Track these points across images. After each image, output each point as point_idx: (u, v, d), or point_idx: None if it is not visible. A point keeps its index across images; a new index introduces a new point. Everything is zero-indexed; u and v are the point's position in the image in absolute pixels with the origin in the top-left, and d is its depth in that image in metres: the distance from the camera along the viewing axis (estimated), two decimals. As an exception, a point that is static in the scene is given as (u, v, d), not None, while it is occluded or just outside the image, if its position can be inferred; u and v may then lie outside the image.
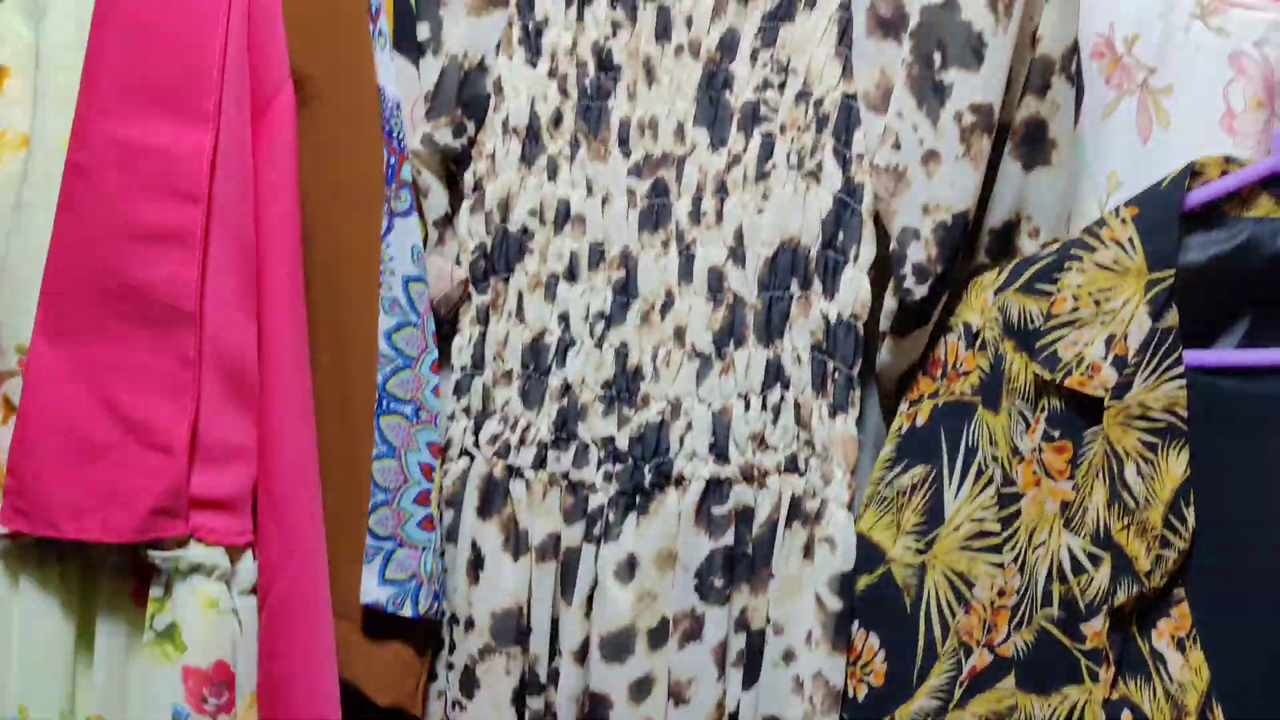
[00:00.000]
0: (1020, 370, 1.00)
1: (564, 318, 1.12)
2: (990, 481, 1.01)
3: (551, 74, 1.13)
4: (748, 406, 1.06)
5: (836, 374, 1.04)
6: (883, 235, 1.04)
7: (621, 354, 1.10)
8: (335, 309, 1.09)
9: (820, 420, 1.04)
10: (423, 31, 1.15)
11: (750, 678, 1.06)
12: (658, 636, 1.07)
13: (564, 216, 1.12)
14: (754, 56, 1.08)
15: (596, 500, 1.09)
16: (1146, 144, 1.14)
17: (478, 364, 1.14)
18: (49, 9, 1.03)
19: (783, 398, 1.06)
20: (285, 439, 1.05)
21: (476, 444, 1.13)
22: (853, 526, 1.03)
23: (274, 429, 1.05)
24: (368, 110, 1.09)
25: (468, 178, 1.15)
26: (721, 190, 1.08)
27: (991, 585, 1.00)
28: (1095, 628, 0.96)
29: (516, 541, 1.10)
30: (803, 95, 1.06)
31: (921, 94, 1.00)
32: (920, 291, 1.01)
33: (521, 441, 1.11)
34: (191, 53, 0.99)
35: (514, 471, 1.11)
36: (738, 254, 1.07)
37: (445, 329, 1.16)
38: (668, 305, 1.09)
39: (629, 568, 1.07)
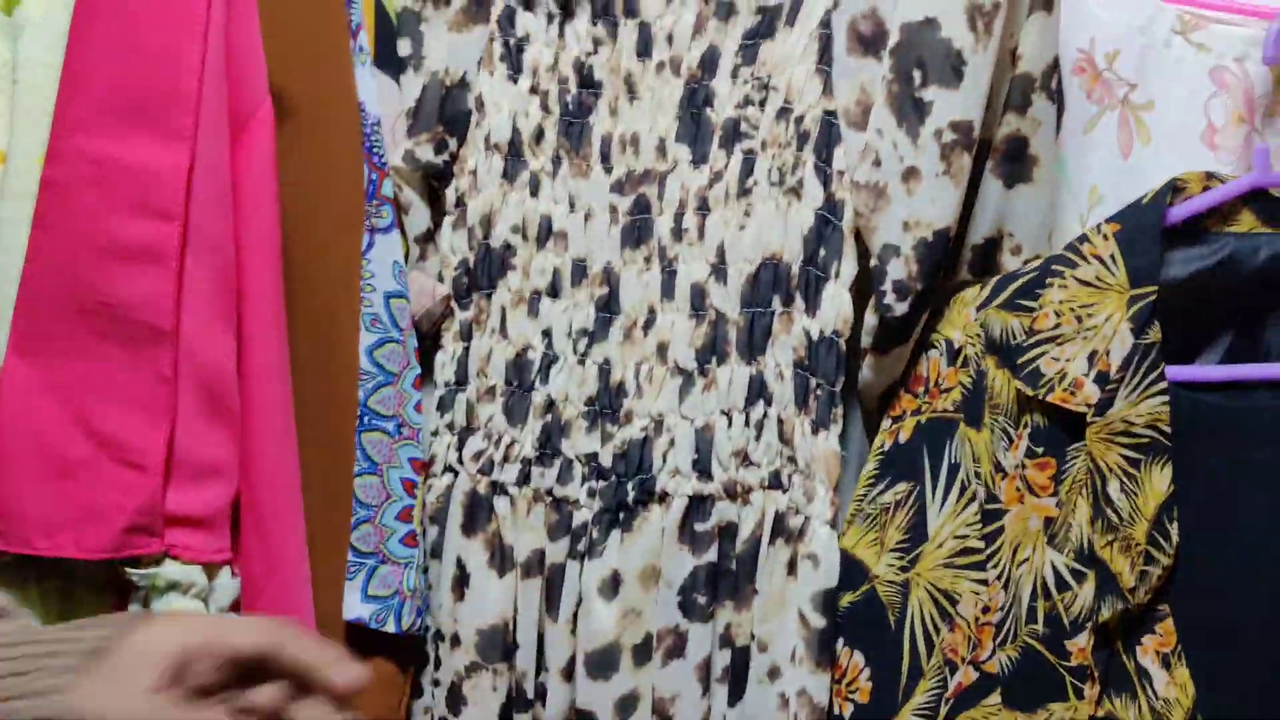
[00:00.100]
0: (1003, 386, 1.00)
1: (547, 334, 1.11)
2: (973, 498, 1.01)
3: (533, 90, 1.12)
4: (730, 423, 1.06)
5: (819, 390, 1.04)
6: (864, 252, 1.03)
7: (604, 370, 1.10)
8: (316, 325, 1.09)
9: (803, 437, 1.04)
10: (404, 48, 1.15)
11: (735, 695, 1.06)
12: (642, 653, 1.07)
13: (546, 232, 1.12)
14: (735, 73, 1.08)
15: (580, 516, 1.09)
16: (1128, 159, 1.14)
17: (461, 380, 1.14)
18: (26, 25, 1.02)
19: (765, 414, 1.05)
20: (268, 456, 1.05)
21: (460, 460, 1.12)
22: (836, 543, 1.03)
23: (256, 446, 1.04)
24: (348, 127, 1.09)
25: (450, 194, 1.14)
26: (703, 207, 1.08)
27: (976, 602, 1.00)
28: (1080, 644, 0.96)
29: (502, 558, 1.10)
30: (784, 112, 1.06)
31: (902, 111, 1.00)
32: (901, 308, 1.01)
33: (505, 458, 1.11)
34: (168, 70, 0.99)
35: (498, 488, 1.11)
36: (720, 270, 1.07)
37: (427, 345, 1.16)
38: (650, 322, 1.09)
39: (613, 584, 1.07)
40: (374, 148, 1.10)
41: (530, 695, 1.10)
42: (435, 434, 1.14)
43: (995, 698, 0.99)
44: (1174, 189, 1.00)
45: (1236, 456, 0.97)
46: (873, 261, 1.02)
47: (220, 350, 1.01)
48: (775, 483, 1.05)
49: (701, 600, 1.05)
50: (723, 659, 1.06)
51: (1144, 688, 0.97)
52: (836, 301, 1.03)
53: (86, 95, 0.99)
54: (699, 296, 1.07)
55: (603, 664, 1.07)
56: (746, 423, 1.06)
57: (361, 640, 1.09)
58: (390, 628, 1.09)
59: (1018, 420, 0.99)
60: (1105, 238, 0.98)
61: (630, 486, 1.08)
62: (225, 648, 0.71)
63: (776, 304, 1.05)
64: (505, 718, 1.10)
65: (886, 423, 1.06)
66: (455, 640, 1.10)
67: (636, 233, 1.10)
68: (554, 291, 1.11)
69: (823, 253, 1.04)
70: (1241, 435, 0.97)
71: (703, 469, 1.06)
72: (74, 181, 0.98)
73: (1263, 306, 1.04)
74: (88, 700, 0.69)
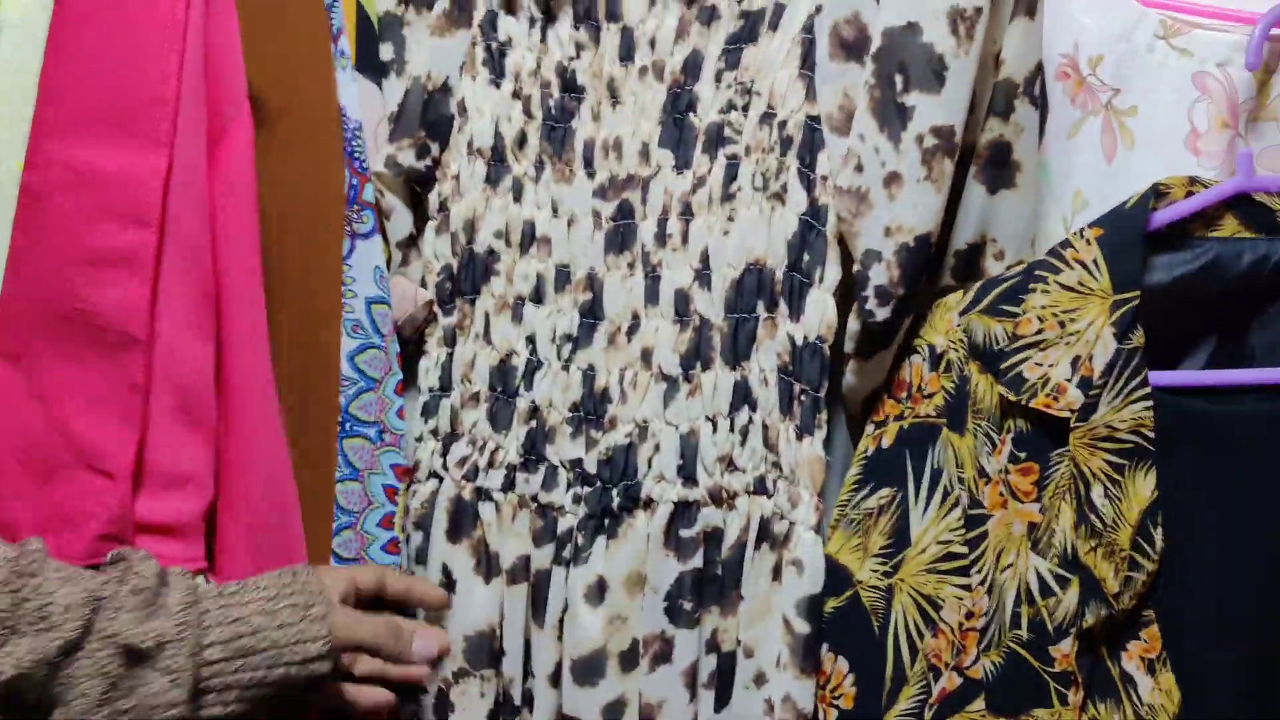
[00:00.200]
0: (986, 392, 1.00)
1: (531, 339, 1.11)
2: (956, 504, 1.01)
3: (515, 95, 1.12)
4: (715, 428, 1.06)
5: (803, 396, 1.04)
6: (847, 257, 1.03)
7: (589, 376, 1.10)
8: (298, 331, 1.09)
9: (787, 442, 1.04)
10: (386, 52, 1.14)
11: (722, 700, 1.06)
12: (629, 660, 1.07)
13: (529, 238, 1.12)
14: (718, 78, 1.08)
15: (566, 523, 1.09)
16: (1111, 164, 1.14)
17: (445, 386, 1.14)
18: (4, 28, 1.02)
19: (750, 419, 1.05)
20: (258, 462, 1.05)
21: (445, 466, 1.12)
22: (820, 549, 1.03)
23: (245, 453, 1.04)
24: (329, 131, 1.09)
25: (432, 199, 1.14)
26: (687, 212, 1.08)
27: (959, 608, 1.00)
28: (1064, 650, 0.96)
29: (488, 564, 1.10)
30: (767, 117, 1.05)
31: (883, 116, 1.00)
32: (883, 313, 1.01)
33: (490, 464, 1.11)
34: (145, 75, 0.99)
35: (483, 494, 1.11)
36: (703, 276, 1.07)
37: (410, 349, 1.16)
38: (634, 327, 1.09)
39: (599, 591, 1.07)
40: (355, 153, 1.10)
41: (517, 702, 1.10)
42: (419, 439, 1.14)
43: (979, 703, 0.99)
44: (1157, 194, 1.00)
45: (1221, 461, 0.97)
46: (855, 267, 1.02)
47: (196, 358, 1.01)
48: (760, 488, 1.05)
49: (688, 606, 1.05)
50: (709, 664, 1.06)
51: (1129, 694, 0.97)
52: (820, 307, 1.03)
53: (64, 101, 0.99)
54: (683, 302, 1.07)
55: (589, 670, 1.07)
56: (731, 428, 1.06)
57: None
58: None
59: (1001, 425, 0.99)
60: (1088, 243, 0.98)
61: (615, 493, 1.08)
62: (364, 582, 1.00)
63: (760, 309, 1.05)
64: (492, 722, 1.10)
65: (870, 428, 1.06)
66: (443, 648, 1.10)
67: (620, 238, 1.09)
68: (538, 297, 1.11)
69: (806, 258, 1.04)
70: (1226, 440, 0.97)
71: (688, 475, 1.06)
72: (52, 188, 0.98)
73: (1246, 311, 1.04)
74: (340, 630, 0.95)
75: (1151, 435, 0.95)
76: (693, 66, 1.08)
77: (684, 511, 1.06)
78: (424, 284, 1.15)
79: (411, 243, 1.16)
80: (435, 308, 1.14)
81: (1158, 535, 0.95)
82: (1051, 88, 1.13)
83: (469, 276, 1.13)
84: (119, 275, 0.98)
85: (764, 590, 1.04)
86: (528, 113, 1.12)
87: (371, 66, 1.14)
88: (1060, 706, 0.97)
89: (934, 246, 1.02)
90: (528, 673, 1.10)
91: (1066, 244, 0.99)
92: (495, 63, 1.13)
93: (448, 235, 1.13)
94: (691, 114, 1.08)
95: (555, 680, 1.08)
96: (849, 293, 1.03)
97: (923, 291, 1.04)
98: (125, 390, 0.99)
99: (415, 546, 1.12)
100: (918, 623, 1.01)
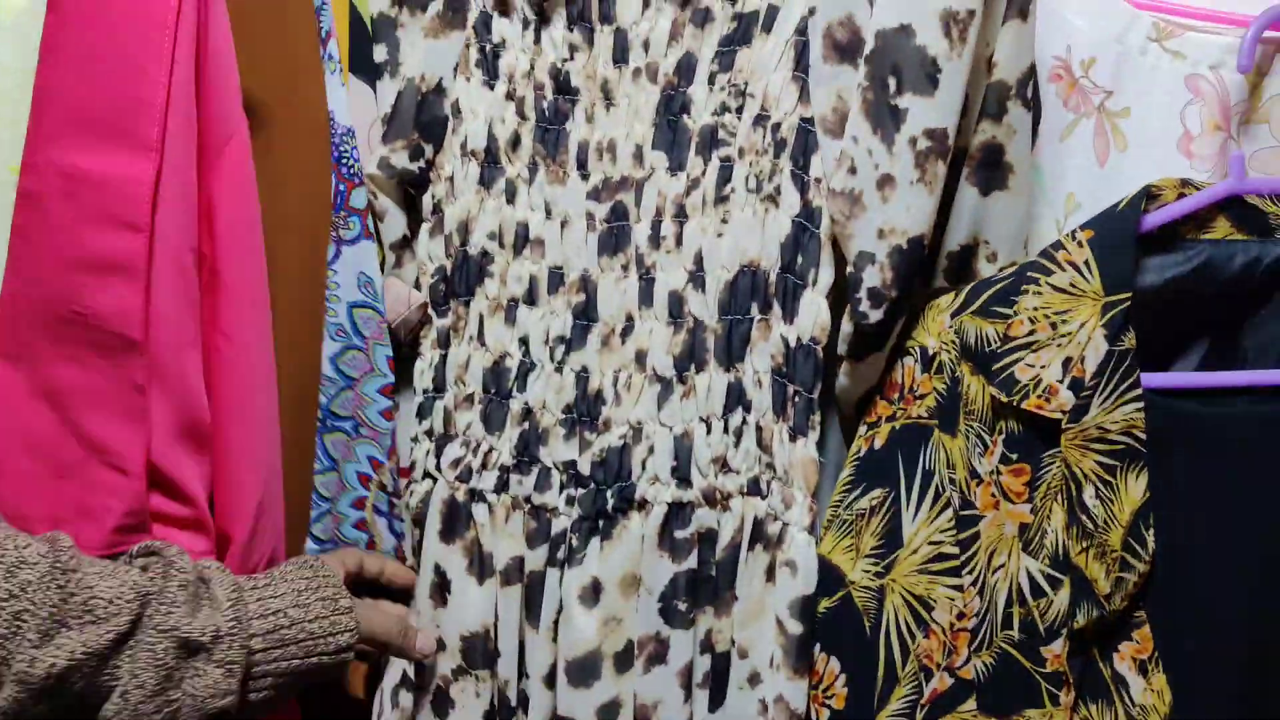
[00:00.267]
0: (978, 393, 1.00)
1: (524, 341, 1.11)
2: (948, 504, 1.01)
3: (509, 96, 1.12)
4: (709, 430, 1.06)
5: (796, 397, 1.04)
6: (840, 259, 1.03)
7: (582, 378, 1.10)
8: (283, 333, 1.10)
9: (781, 444, 1.04)
10: (379, 54, 1.14)
11: (717, 700, 1.06)
12: (623, 660, 1.07)
13: (523, 240, 1.12)
14: (711, 80, 1.08)
15: (559, 524, 1.09)
16: (1104, 166, 1.14)
17: (439, 387, 1.14)
18: (-5, 33, 1.03)
19: (744, 421, 1.05)
20: (264, 456, 1.08)
21: (439, 466, 1.13)
22: (814, 550, 1.03)
23: (251, 447, 1.07)
24: (318, 137, 1.10)
25: (426, 200, 1.14)
26: (681, 214, 1.08)
27: (951, 608, 1.00)
28: (1055, 650, 0.96)
29: (481, 565, 1.10)
30: (760, 119, 1.06)
31: (877, 119, 1.00)
32: (876, 315, 1.01)
33: (484, 465, 1.11)
34: (136, 83, 1.00)
35: (476, 495, 1.11)
36: (697, 278, 1.07)
37: (404, 351, 1.16)
38: (628, 329, 1.09)
39: (593, 592, 1.07)
40: (342, 158, 1.11)
41: (513, 702, 1.10)
42: (414, 440, 1.14)
43: (971, 703, 0.99)
44: (1149, 196, 1.00)
45: (1212, 463, 0.97)
46: (848, 269, 1.02)
47: (186, 363, 1.03)
48: (754, 489, 1.05)
49: (682, 607, 1.06)
50: (703, 665, 1.06)
51: (1120, 694, 0.97)
52: (814, 309, 1.03)
53: (57, 107, 1.00)
54: (677, 304, 1.07)
55: (584, 672, 1.07)
56: (725, 430, 1.06)
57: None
58: None
59: (993, 426, 0.99)
60: (1080, 244, 0.99)
61: (609, 494, 1.08)
62: (350, 565, 1.06)
63: (754, 311, 1.05)
64: (488, 721, 1.11)
65: (863, 429, 1.06)
66: (440, 644, 1.11)
67: (614, 240, 1.10)
68: (531, 299, 1.11)
69: (800, 260, 1.04)
70: (1218, 442, 0.97)
71: (682, 476, 1.07)
72: (48, 192, 1.00)
73: (1238, 313, 1.04)
74: (364, 622, 1.00)
75: (1143, 436, 0.95)
76: (686, 69, 1.08)
77: (678, 513, 1.06)
78: (418, 286, 1.15)
79: (405, 244, 1.16)
80: (430, 309, 1.14)
81: (1149, 536, 0.95)
82: (1044, 90, 1.14)
83: (463, 278, 1.13)
84: (114, 280, 1.00)
85: (758, 591, 1.04)
86: (521, 114, 1.12)
87: (365, 68, 1.14)
88: (1052, 707, 0.97)
89: (927, 248, 1.02)
90: (522, 674, 1.10)
91: (1058, 246, 0.99)
92: (489, 64, 1.13)
93: (442, 237, 1.13)
94: (685, 116, 1.08)
95: (550, 681, 1.08)
96: (842, 295, 1.04)
97: (916, 293, 1.04)
98: (129, 390, 1.01)
99: (415, 541, 1.13)
100: (909, 623, 1.01)
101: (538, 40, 1.12)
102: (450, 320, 1.14)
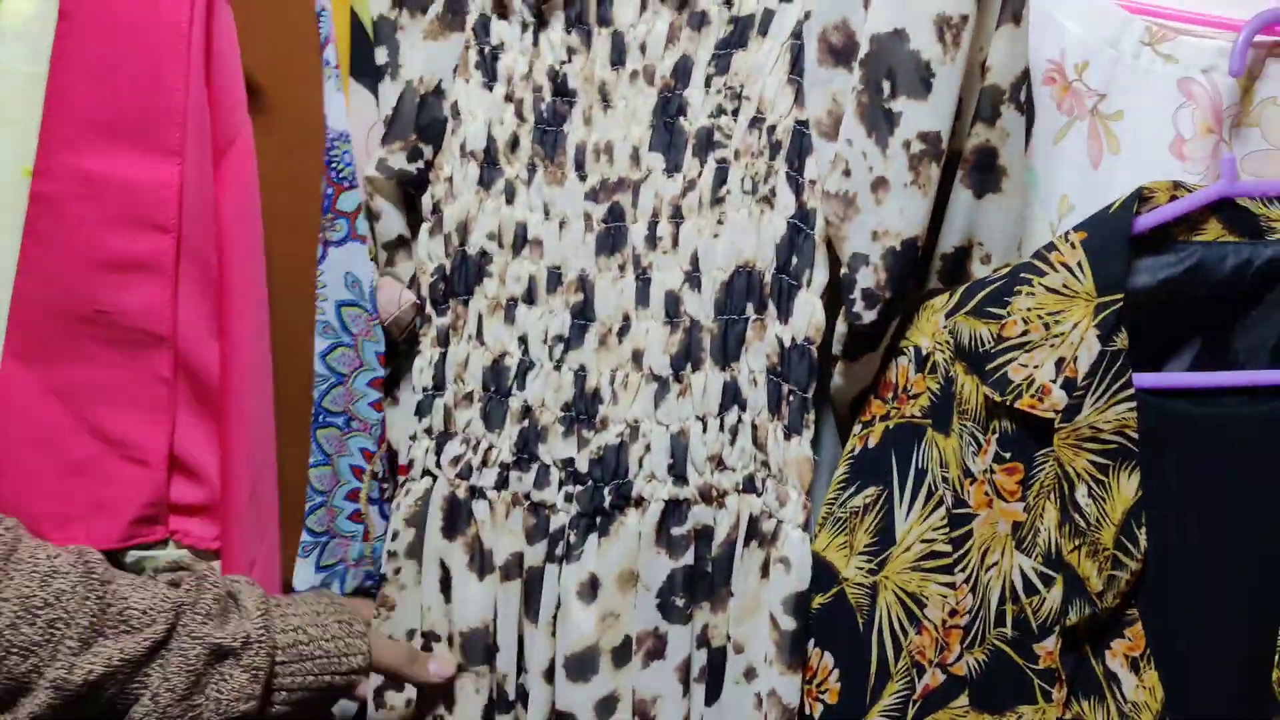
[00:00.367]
0: (971, 392, 1.00)
1: (523, 340, 1.12)
2: (940, 503, 1.01)
3: (508, 98, 1.13)
4: (705, 428, 1.07)
5: (791, 397, 1.04)
6: (834, 260, 1.04)
7: (580, 376, 1.10)
8: (276, 332, 1.12)
9: (776, 442, 1.05)
10: (380, 56, 1.15)
11: (713, 694, 1.06)
12: (621, 655, 1.08)
13: (522, 240, 1.12)
14: (708, 83, 1.08)
15: (558, 521, 1.10)
16: (1097, 169, 1.14)
17: (439, 385, 1.14)
18: (5, 36, 1.04)
19: (740, 419, 1.06)
20: (262, 449, 1.10)
21: (438, 464, 1.13)
22: (808, 547, 1.04)
23: (249, 442, 1.09)
24: (313, 140, 1.12)
25: (426, 200, 1.15)
26: (677, 215, 1.08)
27: (943, 605, 1.00)
28: (1048, 647, 0.97)
29: (481, 561, 1.11)
30: (756, 122, 1.06)
31: (871, 122, 1.00)
32: (870, 316, 1.02)
33: (484, 463, 1.12)
34: (157, 90, 1.02)
35: (476, 492, 1.12)
36: (693, 278, 1.08)
37: (401, 349, 1.17)
38: (625, 329, 1.09)
39: (591, 588, 1.08)
40: (332, 162, 1.13)
41: (511, 698, 1.10)
42: (413, 438, 1.14)
43: (963, 699, 0.99)
44: (1141, 198, 1.00)
45: (1204, 463, 0.97)
46: (842, 270, 1.02)
47: (207, 352, 1.06)
48: (749, 487, 1.05)
49: (680, 602, 1.06)
50: (700, 659, 1.07)
51: (1113, 691, 0.97)
52: (808, 309, 1.04)
53: (74, 112, 1.02)
54: (673, 304, 1.08)
55: (582, 667, 1.07)
56: (721, 428, 1.06)
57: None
58: (335, 589, 1.17)
59: (986, 426, 1.00)
60: (1073, 246, 0.99)
61: (606, 491, 1.08)
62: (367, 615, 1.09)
63: (750, 311, 1.06)
64: (487, 718, 1.11)
65: (857, 428, 1.07)
66: (451, 640, 1.12)
67: (611, 240, 1.10)
68: (530, 298, 1.12)
69: (795, 261, 1.05)
70: (1209, 442, 0.98)
71: (678, 474, 1.07)
72: (66, 196, 1.02)
73: (1230, 314, 1.04)
74: (375, 649, 1.03)
75: (1135, 436, 0.96)
76: (683, 71, 1.09)
77: (674, 510, 1.07)
78: (416, 286, 1.15)
79: (400, 245, 1.16)
80: (429, 308, 1.14)
81: (1141, 535, 0.95)
82: (1038, 93, 1.14)
83: (462, 278, 1.13)
84: (141, 279, 1.02)
85: (753, 587, 1.05)
86: (520, 116, 1.13)
87: (366, 71, 1.15)
88: (1044, 703, 0.97)
89: (920, 250, 1.02)
90: (521, 669, 1.10)
91: (1051, 247, 0.99)
92: (488, 66, 1.13)
93: (441, 237, 1.14)
94: (681, 118, 1.09)
95: (549, 676, 1.09)
96: (837, 295, 1.04)
97: (910, 294, 1.04)
98: (154, 383, 1.04)
99: (407, 542, 1.13)
100: (902, 620, 1.02)
101: (536, 43, 1.13)
102: (449, 319, 1.14)
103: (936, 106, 0.99)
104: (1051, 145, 1.15)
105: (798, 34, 1.04)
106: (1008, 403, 0.98)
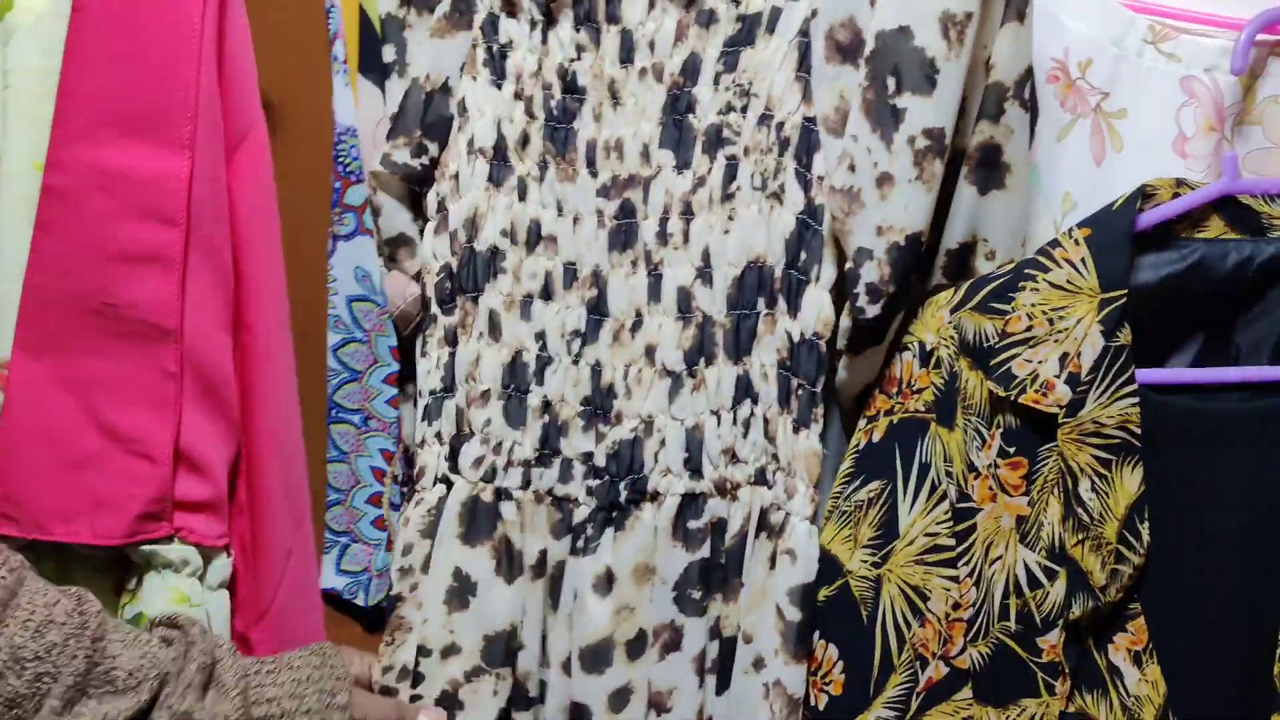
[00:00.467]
0: (976, 387, 1.01)
1: (540, 336, 1.11)
2: (943, 497, 1.02)
3: (517, 96, 1.13)
4: (719, 422, 1.07)
5: (800, 390, 1.05)
6: (840, 255, 1.04)
7: (596, 371, 1.11)
8: (291, 326, 1.13)
9: (785, 435, 1.05)
10: (388, 54, 1.15)
11: (723, 684, 1.07)
12: (635, 648, 1.08)
13: (536, 236, 1.12)
14: (716, 80, 1.09)
15: (580, 514, 1.10)
16: (1100, 166, 1.15)
17: (449, 387, 1.13)
18: (17, 30, 1.04)
19: (752, 413, 1.06)
20: (281, 444, 1.10)
21: (454, 469, 1.11)
22: (815, 539, 1.04)
23: (271, 435, 1.09)
24: (323, 135, 1.12)
25: (431, 198, 1.14)
26: (687, 212, 1.09)
27: (946, 598, 1.01)
28: (1051, 641, 0.97)
29: (510, 563, 1.10)
30: (765, 118, 1.06)
31: (876, 118, 1.01)
32: (874, 310, 1.02)
33: (508, 463, 1.11)
34: (168, 83, 1.02)
35: (502, 493, 1.11)
36: (705, 274, 1.08)
37: (409, 345, 1.17)
38: (638, 324, 1.10)
39: (607, 581, 1.08)
40: (340, 156, 1.13)
41: (533, 694, 1.10)
42: (422, 444, 1.13)
43: (966, 692, 1.00)
44: (1144, 195, 1.01)
45: (1206, 458, 0.98)
46: (847, 264, 1.03)
47: (218, 347, 1.06)
48: (761, 479, 1.06)
49: (696, 595, 1.06)
50: (712, 650, 1.07)
51: (1115, 685, 0.97)
52: (817, 304, 1.04)
53: (86, 106, 1.02)
54: (685, 299, 1.08)
55: (597, 659, 1.08)
56: (734, 421, 1.07)
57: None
58: (360, 600, 1.19)
59: (990, 421, 1.00)
60: (1076, 242, 0.99)
61: (622, 486, 1.09)
62: (359, 672, 1.05)
63: (761, 306, 1.06)
64: (504, 718, 1.10)
65: (862, 422, 1.07)
66: (450, 650, 1.10)
67: (622, 237, 1.10)
68: (547, 294, 1.12)
69: (804, 256, 1.05)
70: (1210, 437, 0.98)
71: (694, 468, 1.07)
72: (77, 189, 1.02)
73: (1232, 311, 1.05)
74: (355, 710, 0.97)
75: (1138, 431, 0.96)
76: (691, 69, 1.09)
77: (691, 503, 1.07)
78: (421, 283, 1.15)
79: (402, 241, 1.15)
80: (435, 307, 1.13)
81: (1144, 529, 0.96)
82: (1042, 91, 1.14)
83: (470, 274, 1.12)
84: (149, 271, 1.02)
85: (761, 578, 1.05)
86: (530, 113, 1.13)
87: (374, 68, 1.15)
88: (1048, 696, 0.97)
89: (924, 245, 1.03)
90: (544, 663, 1.10)
91: (1055, 243, 1.00)
92: (496, 64, 1.13)
93: (446, 234, 1.13)
94: (691, 115, 1.09)
95: (567, 668, 1.09)
96: (844, 290, 1.04)
97: (914, 290, 1.05)
98: (160, 378, 1.03)
99: (423, 556, 1.11)
100: (905, 613, 1.02)
101: (545, 40, 1.13)
102: (458, 317, 1.13)
103: (941, 103, 1.00)
104: (1055, 143, 1.15)
105: (805, 31, 1.05)
106: (1012, 398, 0.98)
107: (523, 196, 1.12)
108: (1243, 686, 0.98)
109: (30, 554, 1.06)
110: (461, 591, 1.10)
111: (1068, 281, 0.98)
